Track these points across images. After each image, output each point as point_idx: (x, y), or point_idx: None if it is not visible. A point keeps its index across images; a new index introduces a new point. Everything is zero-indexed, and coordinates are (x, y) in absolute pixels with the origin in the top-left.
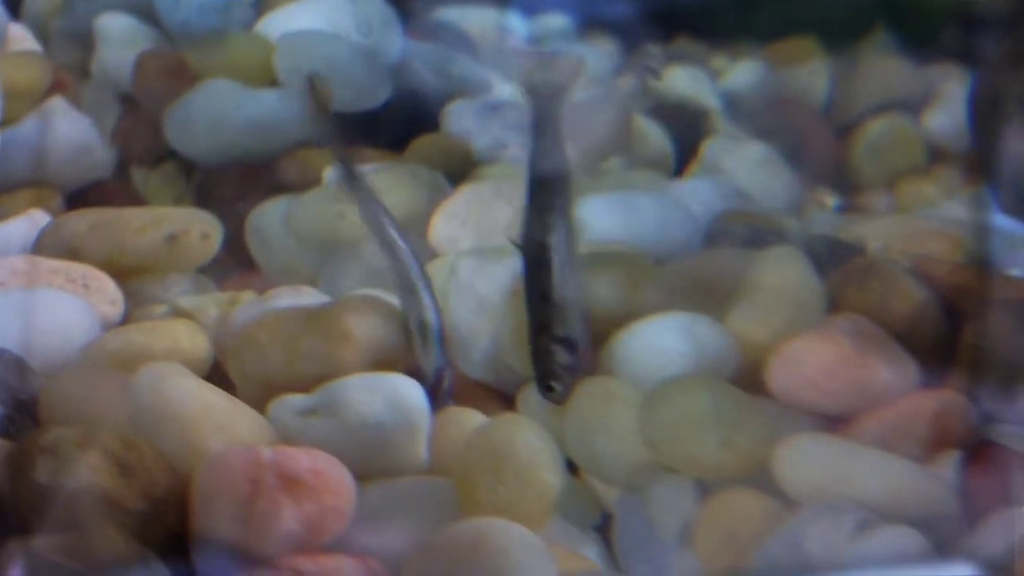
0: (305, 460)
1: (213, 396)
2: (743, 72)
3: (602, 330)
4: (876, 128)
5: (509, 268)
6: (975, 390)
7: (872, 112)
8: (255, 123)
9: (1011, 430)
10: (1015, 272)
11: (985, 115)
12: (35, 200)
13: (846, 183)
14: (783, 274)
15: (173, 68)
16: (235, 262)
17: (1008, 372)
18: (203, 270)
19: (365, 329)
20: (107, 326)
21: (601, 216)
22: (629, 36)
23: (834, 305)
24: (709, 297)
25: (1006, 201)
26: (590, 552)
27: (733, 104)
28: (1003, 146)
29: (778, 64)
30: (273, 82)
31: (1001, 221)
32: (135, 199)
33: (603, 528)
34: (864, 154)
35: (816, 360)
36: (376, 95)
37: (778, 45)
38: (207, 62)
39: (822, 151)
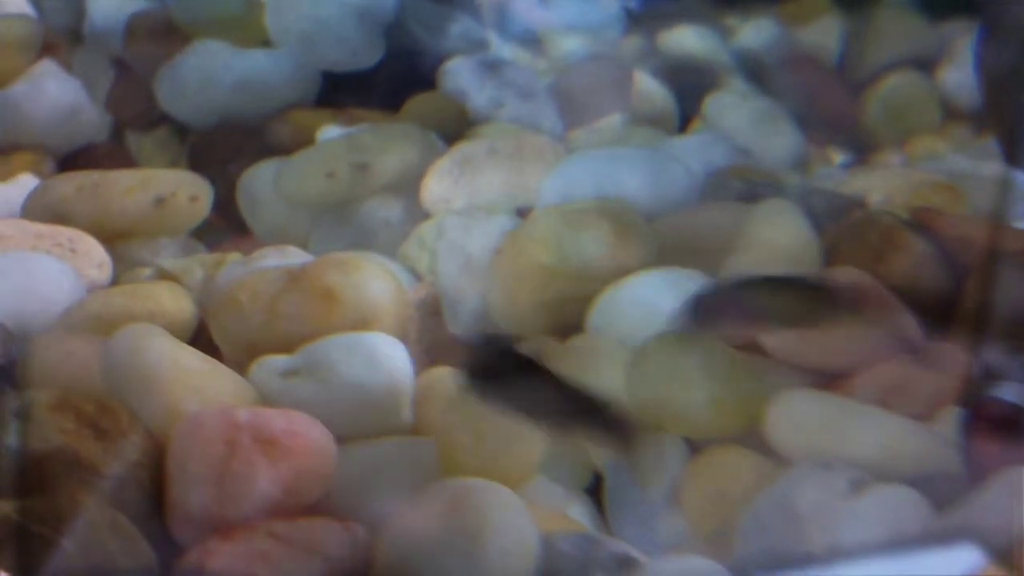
0: (282, 421)
1: (190, 358)
2: (755, 30)
3: (589, 286)
4: (889, 85)
5: (497, 226)
6: (977, 345)
7: (886, 69)
8: (246, 84)
9: (1014, 386)
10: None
11: (993, 71)
12: (25, 164)
13: (859, 141)
14: (777, 228)
15: (163, 30)
16: (228, 225)
17: (1011, 326)
18: (195, 234)
19: (347, 288)
20: (93, 290)
21: (592, 172)
22: None
23: (831, 259)
24: (701, 253)
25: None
26: (578, 513)
27: (745, 63)
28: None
29: (791, 22)
30: (264, 42)
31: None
32: (128, 163)
33: (595, 490)
34: (877, 111)
35: None
36: (369, 54)
37: (791, 3)
38: (197, 22)
39: (835, 109)
